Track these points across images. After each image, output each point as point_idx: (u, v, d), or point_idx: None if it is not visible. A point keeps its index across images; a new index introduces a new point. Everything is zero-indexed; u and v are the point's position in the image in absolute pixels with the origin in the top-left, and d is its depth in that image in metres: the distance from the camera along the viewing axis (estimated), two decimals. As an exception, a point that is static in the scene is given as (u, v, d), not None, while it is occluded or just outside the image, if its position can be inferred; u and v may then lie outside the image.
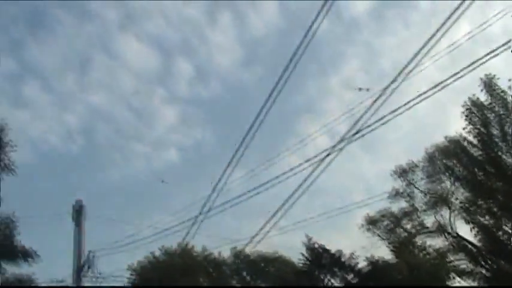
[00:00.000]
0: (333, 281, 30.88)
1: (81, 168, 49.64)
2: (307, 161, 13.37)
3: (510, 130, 28.59)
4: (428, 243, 32.33)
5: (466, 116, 28.69)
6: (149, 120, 55.21)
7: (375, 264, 30.08)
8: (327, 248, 30.59)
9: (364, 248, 30.87)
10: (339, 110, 51.28)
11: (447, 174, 31.18)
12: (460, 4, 9.23)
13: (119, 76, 54.75)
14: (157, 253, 33.29)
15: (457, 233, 31.39)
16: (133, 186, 49.25)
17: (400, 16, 53.78)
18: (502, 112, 28.62)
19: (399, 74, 11.15)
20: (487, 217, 29.66)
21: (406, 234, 32.85)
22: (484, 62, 11.14)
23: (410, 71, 11.68)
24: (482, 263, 30.33)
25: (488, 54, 11.02)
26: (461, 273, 30.76)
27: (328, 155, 12.67)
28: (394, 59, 45.76)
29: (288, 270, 33.01)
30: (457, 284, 30.76)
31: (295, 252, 31.60)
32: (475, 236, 29.86)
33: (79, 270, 24.48)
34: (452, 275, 30.79)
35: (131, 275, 32.42)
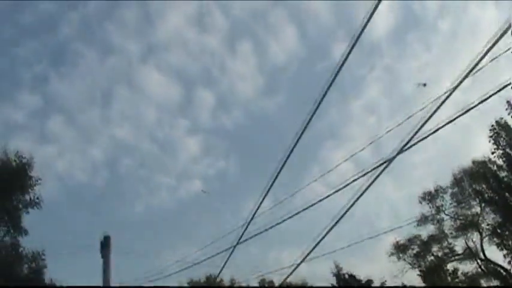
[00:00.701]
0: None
1: (107, 200, 49.75)
2: (337, 190, 13.15)
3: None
4: (458, 268, 31.78)
5: (493, 138, 28.31)
6: (172, 152, 55.33)
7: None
8: (356, 275, 30.18)
9: (395, 276, 30.43)
10: (361, 135, 51.09)
11: (476, 198, 30.71)
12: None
13: (141, 108, 55.09)
14: (185, 286, 33.05)
15: (487, 258, 30.81)
16: (158, 218, 49.20)
17: (421, 39, 53.55)
18: (529, 134, 28.19)
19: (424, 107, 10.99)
20: (518, 241, 29.10)
21: (435, 259, 32.32)
22: (508, 84, 10.93)
23: (440, 96, 11.53)
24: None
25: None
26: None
27: (354, 180, 12.49)
28: (416, 83, 45.52)
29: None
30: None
31: (323, 281, 31.19)
32: (508, 261, 29.24)
33: (107, 303, 24.36)
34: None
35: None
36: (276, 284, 32.78)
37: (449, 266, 32.16)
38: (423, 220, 31.53)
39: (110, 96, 55.31)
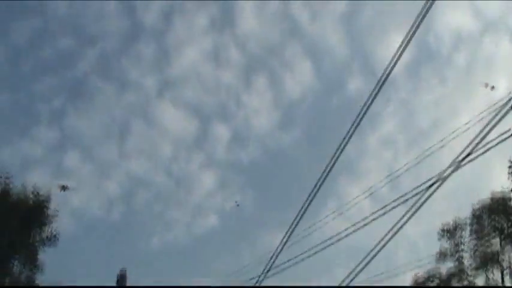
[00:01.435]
0: None
1: (122, 235, 49.82)
2: (355, 227, 12.94)
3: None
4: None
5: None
6: (188, 186, 55.46)
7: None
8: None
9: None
10: (377, 169, 50.79)
11: (496, 232, 30.25)
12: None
13: (157, 143, 55.53)
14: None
15: (509, 294, 30.18)
16: (174, 252, 49.04)
17: (436, 72, 53.69)
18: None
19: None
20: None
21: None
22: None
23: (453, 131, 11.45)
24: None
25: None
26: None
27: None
28: (432, 117, 45.42)
29: None
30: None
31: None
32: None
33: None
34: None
35: None
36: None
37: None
38: (443, 255, 31.06)
39: (126, 130, 55.87)
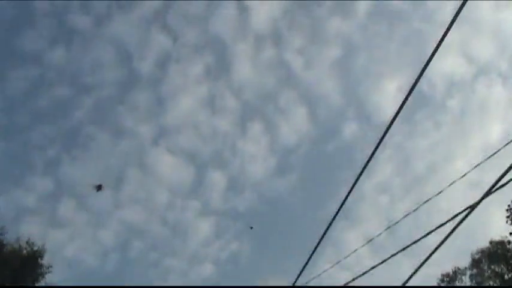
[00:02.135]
0: None
1: (118, 284, 48.96)
2: (354, 279, 12.74)
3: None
4: None
5: (510, 219, 27.90)
6: (184, 234, 54.92)
7: None
8: None
9: None
10: (374, 215, 50.59)
11: (495, 279, 29.89)
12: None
13: (152, 191, 55.22)
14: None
15: None
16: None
17: (430, 117, 54.06)
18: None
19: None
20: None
21: None
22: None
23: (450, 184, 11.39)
24: None
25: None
26: None
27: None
28: (427, 161, 45.50)
29: None
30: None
31: None
32: None
33: None
34: None
35: None
36: None
37: None
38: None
39: (121, 178, 55.61)
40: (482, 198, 9.87)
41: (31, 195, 51.15)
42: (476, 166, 11.26)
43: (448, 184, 11.95)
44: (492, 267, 29.95)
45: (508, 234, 28.28)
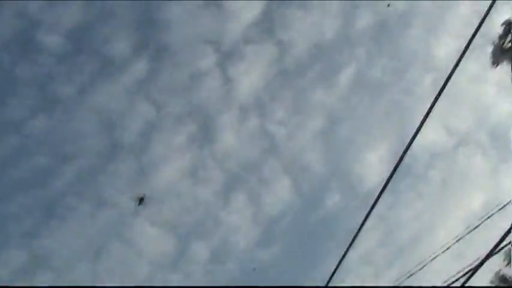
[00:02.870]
0: None
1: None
2: None
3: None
4: None
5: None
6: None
7: None
8: None
9: None
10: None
11: None
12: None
13: (133, 263, 54.11)
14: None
15: None
16: None
17: (413, 188, 54.23)
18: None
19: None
20: None
21: None
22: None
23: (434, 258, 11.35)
24: None
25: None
26: None
27: None
28: (410, 232, 45.33)
29: None
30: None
31: None
32: None
33: None
34: None
35: None
36: None
37: None
38: None
39: (100, 250, 54.52)
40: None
41: (5, 268, 49.85)
42: (458, 240, 11.25)
43: (431, 258, 11.89)
44: None
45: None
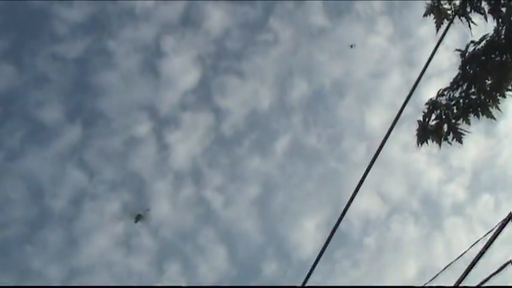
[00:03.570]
0: None
1: None
2: None
3: None
4: None
5: None
6: None
7: None
8: None
9: None
10: None
11: None
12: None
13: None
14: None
15: None
16: None
17: (348, 256, 54.47)
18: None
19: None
20: None
21: None
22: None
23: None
24: None
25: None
26: None
27: None
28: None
29: None
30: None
31: None
32: None
33: None
34: None
35: None
36: None
37: None
38: None
39: None
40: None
41: None
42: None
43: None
44: None
45: None
